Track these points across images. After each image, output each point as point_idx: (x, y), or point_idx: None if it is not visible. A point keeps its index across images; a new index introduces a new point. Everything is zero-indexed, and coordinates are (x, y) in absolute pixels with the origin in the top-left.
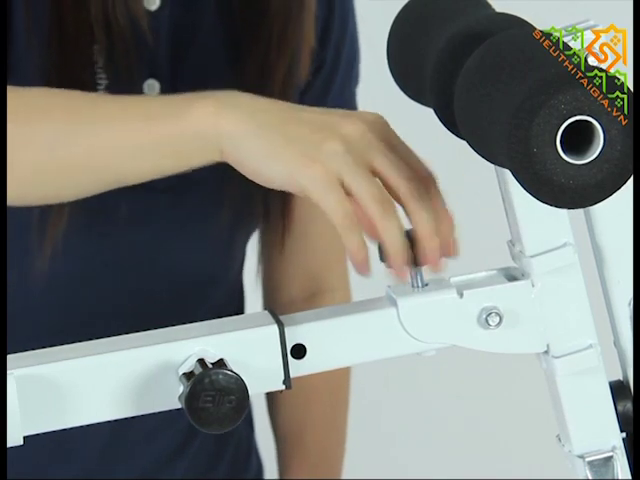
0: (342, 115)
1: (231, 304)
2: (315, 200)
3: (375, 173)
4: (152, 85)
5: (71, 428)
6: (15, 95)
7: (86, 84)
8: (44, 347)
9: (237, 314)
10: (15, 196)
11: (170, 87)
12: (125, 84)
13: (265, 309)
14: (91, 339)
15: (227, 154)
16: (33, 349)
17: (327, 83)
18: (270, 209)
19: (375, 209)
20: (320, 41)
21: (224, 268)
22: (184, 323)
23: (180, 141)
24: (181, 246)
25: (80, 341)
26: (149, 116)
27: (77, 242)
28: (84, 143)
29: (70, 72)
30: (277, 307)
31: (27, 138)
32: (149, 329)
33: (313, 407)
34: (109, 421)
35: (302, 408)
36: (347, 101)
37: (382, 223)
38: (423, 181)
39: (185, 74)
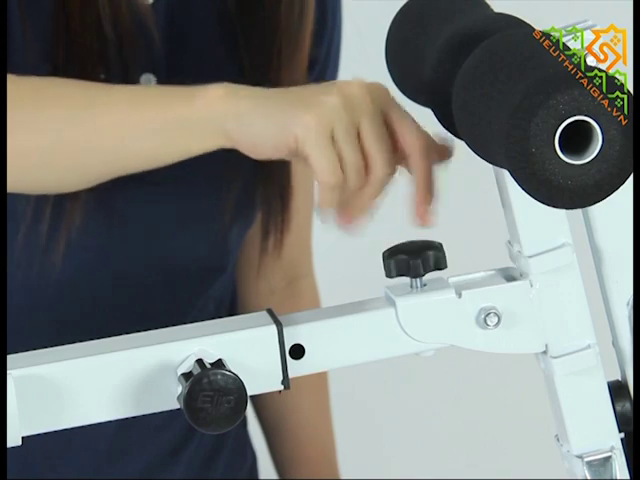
0: (345, 80)
1: (229, 290)
2: (306, 152)
3: (358, 134)
4: (148, 79)
5: (72, 429)
6: (23, 83)
7: (88, 80)
8: (48, 343)
9: (233, 300)
10: (25, 182)
11: (166, 81)
12: (122, 78)
13: (266, 310)
14: (95, 330)
15: (231, 133)
16: (36, 346)
17: (318, 80)
18: (270, 201)
19: (353, 179)
20: (314, 38)
21: (225, 257)
22: (189, 309)
23: (188, 123)
24: (184, 237)
25: (83, 335)
26: (159, 100)
27: (85, 237)
28: (93, 124)
29: (74, 69)
30: (256, 297)
31: (36, 124)
32: (156, 317)
33: (294, 391)
34: (110, 421)
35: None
36: None
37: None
38: (406, 151)
39: (181, 68)
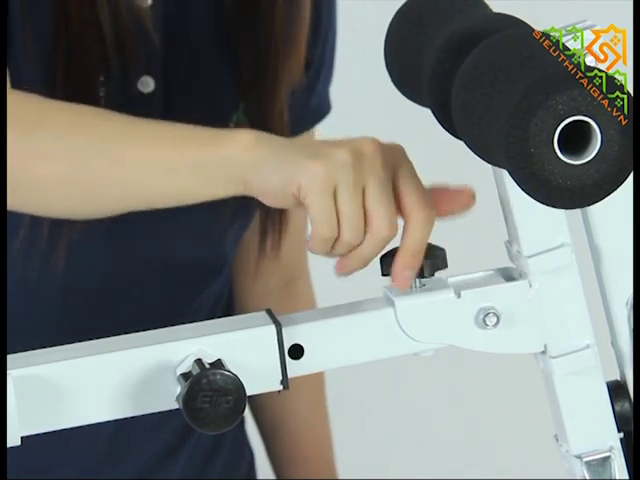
0: (362, 137)
1: (225, 290)
2: (307, 202)
3: (364, 192)
4: (146, 82)
5: (70, 428)
6: (45, 106)
7: (87, 84)
8: (48, 343)
9: (230, 301)
10: (41, 207)
11: (164, 84)
12: (120, 81)
13: (265, 310)
14: (94, 330)
15: (249, 181)
16: (35, 346)
17: (313, 80)
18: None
19: (349, 236)
20: (310, 38)
21: (223, 258)
22: (186, 310)
23: (212, 166)
24: (183, 238)
25: (82, 335)
26: (186, 139)
27: (86, 239)
28: (117, 157)
29: (73, 71)
30: (253, 298)
31: (58, 151)
32: (153, 317)
33: (292, 391)
34: (108, 421)
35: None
36: (327, 99)
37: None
38: (404, 215)
39: (179, 70)
